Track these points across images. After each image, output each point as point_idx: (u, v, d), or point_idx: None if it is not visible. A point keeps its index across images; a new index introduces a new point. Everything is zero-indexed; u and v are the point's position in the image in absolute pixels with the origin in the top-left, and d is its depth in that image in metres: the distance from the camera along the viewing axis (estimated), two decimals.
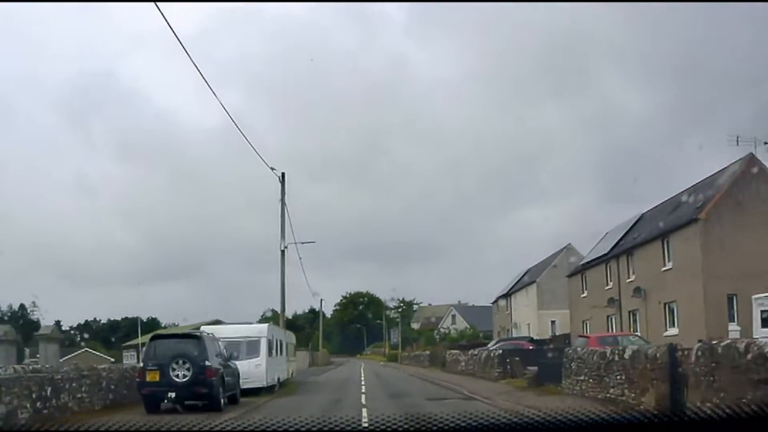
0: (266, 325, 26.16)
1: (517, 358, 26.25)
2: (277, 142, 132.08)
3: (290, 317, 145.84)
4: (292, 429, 3.02)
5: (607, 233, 44.18)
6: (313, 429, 3.04)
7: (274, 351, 25.34)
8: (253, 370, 22.32)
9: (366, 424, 3.66)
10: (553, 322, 54.84)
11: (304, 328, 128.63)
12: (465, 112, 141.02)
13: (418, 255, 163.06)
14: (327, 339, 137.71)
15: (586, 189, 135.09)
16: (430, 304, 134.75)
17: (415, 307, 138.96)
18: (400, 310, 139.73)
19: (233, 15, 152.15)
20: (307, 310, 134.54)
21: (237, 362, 20.16)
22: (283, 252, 30.88)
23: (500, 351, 28.72)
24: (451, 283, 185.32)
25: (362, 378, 39.66)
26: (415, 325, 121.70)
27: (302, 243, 32.90)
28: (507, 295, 63.67)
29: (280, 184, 31.03)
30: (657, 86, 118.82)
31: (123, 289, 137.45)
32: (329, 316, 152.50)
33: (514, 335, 53.47)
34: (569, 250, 55.96)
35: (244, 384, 20.77)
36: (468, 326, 79.08)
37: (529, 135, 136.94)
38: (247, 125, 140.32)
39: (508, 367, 25.88)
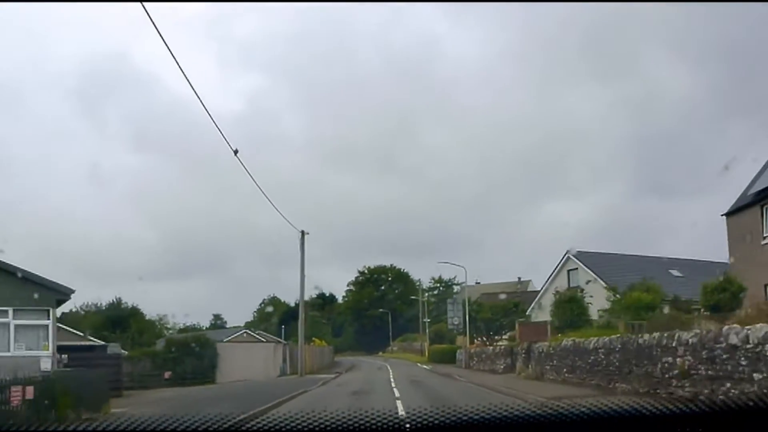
0: None
1: None
2: (299, 126, 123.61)
3: (293, 305, 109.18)
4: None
5: None
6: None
7: None
8: None
9: None
10: None
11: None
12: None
13: (448, 245, 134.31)
14: (336, 332, 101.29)
15: (624, 175, 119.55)
16: (478, 282, 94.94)
17: (456, 288, 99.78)
18: (436, 292, 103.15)
19: None
20: (315, 296, 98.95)
21: None
22: None
23: None
24: (486, 272, 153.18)
25: None
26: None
27: None
28: None
29: None
30: (705, 69, 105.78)
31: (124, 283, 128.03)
32: (341, 301, 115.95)
33: None
34: None
35: None
36: (605, 283, 37.88)
37: (569, 117, 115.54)
38: (268, 108, 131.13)
39: None
